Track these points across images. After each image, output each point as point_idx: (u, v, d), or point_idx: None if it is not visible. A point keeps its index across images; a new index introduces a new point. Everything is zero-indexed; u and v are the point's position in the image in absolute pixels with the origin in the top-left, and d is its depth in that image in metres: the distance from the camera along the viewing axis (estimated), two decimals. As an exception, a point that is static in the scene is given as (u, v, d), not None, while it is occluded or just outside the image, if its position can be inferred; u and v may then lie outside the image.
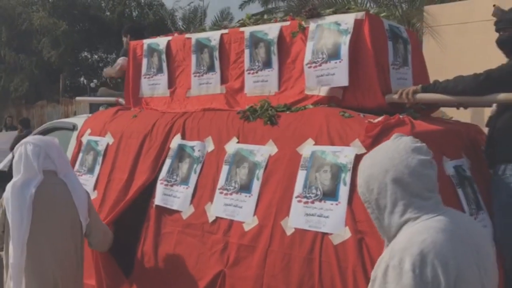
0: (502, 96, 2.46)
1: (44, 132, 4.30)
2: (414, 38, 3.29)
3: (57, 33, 16.87)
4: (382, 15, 3.08)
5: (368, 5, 11.65)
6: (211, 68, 3.50)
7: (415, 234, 1.49)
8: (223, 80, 3.45)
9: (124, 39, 4.96)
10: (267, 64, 3.20)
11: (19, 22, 17.30)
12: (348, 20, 2.87)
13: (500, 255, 2.64)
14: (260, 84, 3.25)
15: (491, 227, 2.66)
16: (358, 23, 2.84)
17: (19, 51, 17.59)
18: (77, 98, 4.99)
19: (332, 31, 2.91)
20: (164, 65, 3.79)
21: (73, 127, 4.00)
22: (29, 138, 2.74)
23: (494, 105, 2.86)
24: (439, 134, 2.59)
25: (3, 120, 15.41)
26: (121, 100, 4.22)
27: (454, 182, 2.51)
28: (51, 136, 3.07)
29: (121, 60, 4.68)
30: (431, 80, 2.99)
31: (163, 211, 3.08)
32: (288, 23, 3.18)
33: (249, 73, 3.30)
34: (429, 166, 1.58)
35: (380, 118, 2.51)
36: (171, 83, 3.77)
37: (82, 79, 20.88)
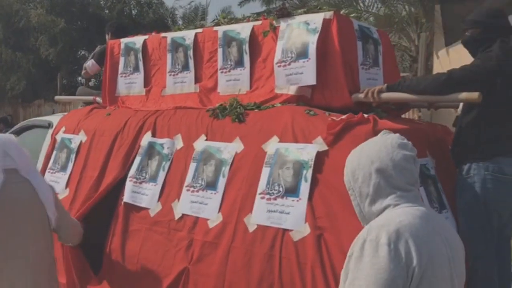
0: (464, 95, 2.48)
1: (22, 130, 4.30)
2: (385, 39, 3.31)
3: (55, 31, 16.44)
4: (352, 15, 3.09)
5: (375, 6, 11.68)
6: (185, 67, 3.51)
7: (393, 215, 1.60)
8: (197, 79, 3.46)
9: (107, 37, 4.97)
10: (239, 63, 3.22)
11: (16, 20, 16.85)
12: (316, 19, 2.89)
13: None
14: (233, 83, 3.26)
15: (455, 226, 2.67)
16: (326, 23, 2.86)
17: (16, 49, 17.12)
18: (56, 97, 4.97)
19: (301, 30, 2.93)
20: (141, 64, 3.80)
21: (49, 125, 4.00)
22: None
23: (461, 105, 2.88)
24: (403, 133, 2.56)
25: None
26: (98, 99, 4.22)
27: (416, 181, 2.51)
28: (8, 134, 3.05)
29: (87, 64, 4.71)
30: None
31: (132, 208, 3.08)
32: (260, 22, 3.19)
33: (222, 72, 3.31)
34: (412, 162, 1.71)
35: (343, 117, 2.52)
36: (147, 82, 3.78)
37: (80, 78, 20.68)
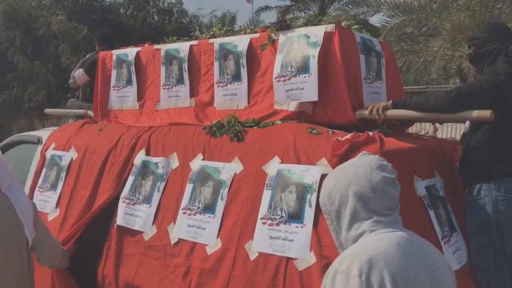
0: (475, 113, 2.36)
1: (8, 146, 4.12)
2: (388, 51, 3.19)
3: (78, 39, 15.26)
4: (354, 27, 2.97)
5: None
6: (180, 81, 3.38)
7: (368, 243, 1.50)
8: (193, 93, 3.33)
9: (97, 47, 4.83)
10: (236, 77, 3.09)
11: (36, 27, 15.68)
12: (317, 32, 2.76)
13: (475, 277, 2.54)
14: (230, 97, 3.13)
15: (465, 249, 2.55)
16: (327, 36, 2.73)
17: (34, 58, 15.81)
18: (46, 110, 4.81)
19: (302, 43, 2.80)
20: (134, 76, 3.66)
21: (38, 141, 3.84)
22: None
23: (467, 122, 2.77)
24: (410, 152, 2.48)
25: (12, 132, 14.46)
26: (90, 112, 4.07)
27: (425, 203, 2.40)
28: None
29: (76, 73, 4.56)
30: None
31: (125, 231, 2.93)
32: (257, 35, 3.06)
33: (218, 86, 3.17)
34: (392, 185, 1.59)
35: (348, 136, 2.39)
36: (140, 96, 3.64)
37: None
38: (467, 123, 2.78)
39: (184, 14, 18.89)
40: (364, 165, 1.59)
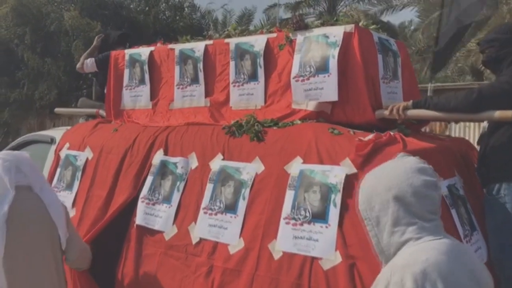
0: (498, 114, 2.39)
1: (20, 146, 4.12)
2: (403, 50, 3.20)
3: (91, 35, 14.14)
4: (371, 27, 2.99)
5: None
6: (195, 80, 3.38)
7: (418, 253, 1.45)
8: (208, 93, 3.34)
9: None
10: (253, 76, 3.10)
11: (47, 23, 14.95)
12: (336, 32, 2.78)
13: (495, 276, 2.56)
14: (246, 97, 3.14)
15: (485, 248, 2.58)
16: (347, 36, 2.75)
17: (44, 55, 14.99)
18: (57, 110, 4.80)
19: (320, 43, 2.81)
20: (147, 76, 3.66)
21: (51, 141, 3.84)
22: None
23: (485, 122, 2.79)
24: (432, 152, 2.50)
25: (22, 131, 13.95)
26: (101, 111, 4.07)
27: (447, 203, 2.42)
28: (21, 151, 2.92)
29: (87, 61, 4.52)
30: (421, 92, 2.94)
31: (145, 231, 2.94)
32: (274, 35, 3.07)
33: (234, 86, 3.18)
34: (433, 188, 1.56)
35: (370, 136, 2.41)
36: (153, 95, 3.64)
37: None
38: (485, 123, 2.80)
39: (195, 10, 18.36)
40: (404, 168, 1.56)
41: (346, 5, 19.65)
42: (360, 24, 2.97)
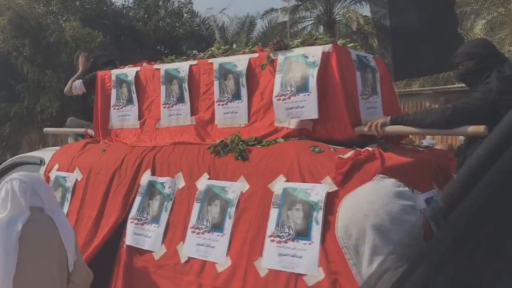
0: (470, 129, 2.48)
1: (9, 168, 4.14)
2: (381, 65, 3.30)
3: (93, 45, 14.26)
4: (349, 45, 3.08)
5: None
6: (180, 99, 3.46)
7: None
8: (193, 111, 3.41)
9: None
10: (236, 95, 3.18)
11: (46, 34, 14.74)
12: (315, 52, 2.87)
13: None
14: (230, 115, 3.22)
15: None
16: (325, 56, 2.84)
17: (44, 67, 14.68)
18: (45, 129, 4.85)
19: (300, 63, 2.90)
20: (134, 96, 3.73)
21: (41, 162, 3.89)
22: (15, 175, 2.71)
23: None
24: (410, 167, 2.58)
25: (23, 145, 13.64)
26: (90, 131, 4.12)
27: (426, 216, 2.50)
28: (37, 173, 2.99)
29: (75, 84, 4.57)
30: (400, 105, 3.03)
31: (135, 251, 3.00)
32: (256, 55, 3.16)
33: (219, 105, 3.26)
34: (411, 212, 1.54)
35: (350, 154, 2.49)
36: (141, 114, 3.71)
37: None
38: (462, 137, 2.89)
39: (195, 15, 18.36)
40: (380, 193, 1.54)
41: (343, 7, 19.78)
42: (339, 43, 3.06)
